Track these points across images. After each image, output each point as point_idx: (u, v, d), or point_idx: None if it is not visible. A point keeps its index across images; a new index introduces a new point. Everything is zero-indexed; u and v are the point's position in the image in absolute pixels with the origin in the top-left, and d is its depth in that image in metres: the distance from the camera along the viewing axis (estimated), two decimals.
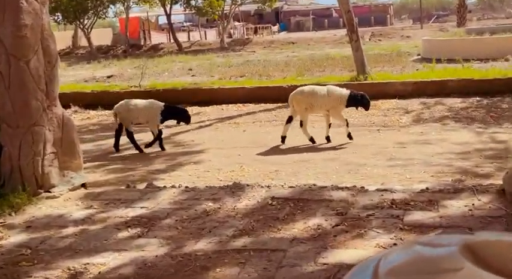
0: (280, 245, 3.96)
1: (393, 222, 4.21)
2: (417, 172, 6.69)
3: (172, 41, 38.81)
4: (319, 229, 4.21)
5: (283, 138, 8.89)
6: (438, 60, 16.62)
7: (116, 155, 8.75)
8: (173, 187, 5.70)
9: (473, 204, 4.44)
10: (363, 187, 5.22)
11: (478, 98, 11.53)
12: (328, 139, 8.78)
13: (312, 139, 8.74)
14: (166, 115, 8.81)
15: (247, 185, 5.53)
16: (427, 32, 36.50)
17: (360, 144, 8.53)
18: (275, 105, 12.35)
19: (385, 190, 5.04)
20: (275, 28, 56.06)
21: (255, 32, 49.23)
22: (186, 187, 5.68)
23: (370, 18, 59.29)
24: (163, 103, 8.90)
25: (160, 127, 8.86)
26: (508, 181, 4.57)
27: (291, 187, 5.38)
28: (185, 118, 9.09)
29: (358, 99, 8.74)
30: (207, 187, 5.68)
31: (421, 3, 52.70)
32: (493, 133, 8.46)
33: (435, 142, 8.34)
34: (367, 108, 8.99)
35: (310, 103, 8.68)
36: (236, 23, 50.05)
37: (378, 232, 4.04)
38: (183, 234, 4.33)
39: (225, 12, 39.32)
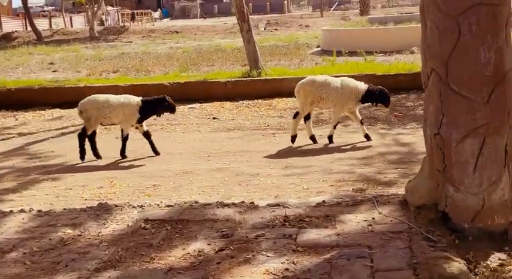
0: (153, 278, 3.84)
1: (285, 243, 4.24)
2: (315, 182, 6.85)
3: (29, 28, 37.13)
4: (200, 256, 4.14)
5: (294, 138, 8.82)
6: (339, 53, 17.26)
7: None
8: (22, 211, 5.37)
9: (373, 218, 4.58)
10: (252, 203, 5.22)
11: None
12: (330, 139, 8.81)
13: (293, 138, 8.77)
14: (144, 112, 8.52)
15: (116, 205, 5.34)
16: (328, 20, 37.89)
17: (252, 151, 8.59)
18: None
19: (278, 205, 5.07)
20: (156, 14, 55.53)
21: (133, 18, 48.42)
22: (39, 210, 5.36)
23: (266, 5, 60.52)
24: (139, 98, 8.59)
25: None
26: (411, 190, 4.78)
27: (168, 205, 5.26)
28: (169, 107, 8.74)
29: (377, 95, 8.76)
30: (65, 209, 5.40)
31: None
32: (397, 135, 8.88)
33: (335, 146, 8.60)
34: (387, 104, 8.99)
35: (320, 96, 8.65)
36: (109, 8, 48.95)
37: (267, 256, 4.04)
38: (32, 270, 4.07)
39: None
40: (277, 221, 4.69)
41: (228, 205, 5.19)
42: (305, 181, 6.92)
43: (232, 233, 4.50)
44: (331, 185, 6.66)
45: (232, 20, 36.21)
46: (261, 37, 28.54)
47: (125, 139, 8.65)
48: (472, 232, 4.21)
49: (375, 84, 12.49)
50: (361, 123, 8.81)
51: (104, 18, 45.67)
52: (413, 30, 20.68)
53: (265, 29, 35.61)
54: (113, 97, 8.60)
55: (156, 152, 8.67)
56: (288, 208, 4.99)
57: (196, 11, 59.54)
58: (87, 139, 8.54)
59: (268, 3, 61.49)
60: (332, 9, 59.64)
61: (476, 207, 4.20)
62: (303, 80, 8.99)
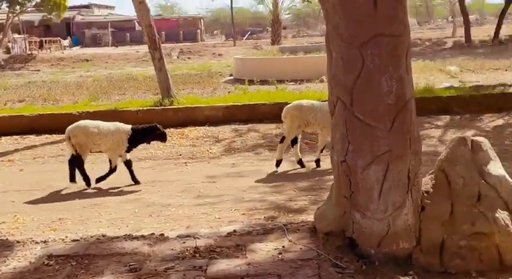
0: None
1: (195, 275, 4.16)
2: (227, 211, 6.81)
3: None
4: None
5: (278, 162, 8.77)
6: (251, 81, 17.45)
7: None
8: None
9: (283, 246, 4.59)
10: (162, 234, 5.11)
11: None
12: (317, 163, 8.79)
13: (278, 163, 8.73)
14: (134, 140, 8.29)
15: (17, 241, 5.08)
16: (241, 49, 38.36)
17: (164, 180, 8.47)
18: (63, 136, 11.79)
19: (188, 236, 4.99)
20: (66, 42, 54.37)
21: (41, 46, 47.12)
22: None
23: (179, 34, 60.61)
24: (130, 126, 8.34)
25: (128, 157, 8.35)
26: (319, 217, 4.83)
27: (74, 240, 5.06)
28: (160, 136, 8.52)
29: None
30: None
31: (234, 18, 55.37)
32: (307, 162, 8.99)
33: (248, 174, 8.62)
34: None
35: (307, 120, 8.65)
36: (16, 36, 47.43)
37: None
38: None
39: (0, 21, 37.04)
40: (187, 253, 4.60)
41: (136, 238, 5.05)
42: (217, 210, 6.87)
43: (141, 267, 4.38)
44: (243, 214, 6.64)
45: (144, 48, 35.87)
46: (174, 65, 28.49)
47: (113, 170, 8.35)
48: (378, 257, 4.30)
49: None
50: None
51: (10, 46, 44.18)
52: (323, 59, 21.12)
53: (178, 58, 35.60)
54: (102, 124, 8.35)
55: (136, 182, 8.35)
56: (199, 238, 4.92)
57: (107, 39, 58.79)
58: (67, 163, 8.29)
59: (181, 32, 61.61)
60: (244, 38, 60.58)
61: (382, 232, 4.29)
62: (290, 105, 9.06)
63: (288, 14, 78.34)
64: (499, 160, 4.63)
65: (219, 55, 36.68)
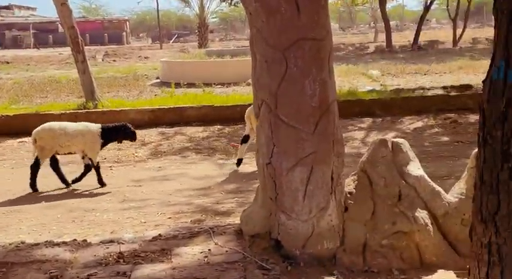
0: None
1: None
2: (153, 215, 6.71)
3: None
4: None
5: (240, 161, 8.83)
6: (178, 84, 17.31)
7: None
8: None
9: (209, 249, 4.56)
10: (85, 240, 4.98)
11: (219, 126, 12.27)
12: None
13: (239, 162, 8.81)
14: (105, 139, 8.18)
15: None
16: (167, 52, 38.04)
17: (88, 185, 8.25)
18: None
19: (112, 241, 4.88)
20: None
21: None
22: None
23: (104, 36, 59.52)
24: (99, 125, 8.26)
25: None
26: (245, 220, 4.82)
27: None
28: (130, 134, 8.43)
29: None
30: None
31: (160, 20, 54.87)
32: (234, 165, 8.99)
33: (174, 178, 8.53)
34: None
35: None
36: None
37: None
38: None
39: None
40: (110, 259, 4.49)
41: (58, 244, 4.89)
42: (142, 214, 6.76)
43: (62, 274, 4.24)
44: (169, 218, 6.56)
45: (68, 51, 34.96)
46: (99, 68, 27.90)
47: (97, 168, 8.20)
48: (303, 258, 4.33)
49: (213, 116, 12.82)
50: None
51: None
52: (249, 63, 21.29)
53: (103, 60, 34.90)
54: (70, 125, 8.19)
55: (102, 184, 8.19)
56: (123, 243, 4.82)
57: (29, 40, 56.94)
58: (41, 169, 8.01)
59: (106, 34, 60.48)
60: (171, 41, 60.13)
61: (307, 233, 4.34)
62: (251, 106, 8.99)
63: (215, 17, 78.33)
64: (418, 160, 4.77)
65: (145, 58, 36.20)
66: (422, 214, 4.42)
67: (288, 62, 4.33)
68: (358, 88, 15.73)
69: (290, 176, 4.35)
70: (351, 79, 19.42)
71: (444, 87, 15.23)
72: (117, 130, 8.37)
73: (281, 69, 4.36)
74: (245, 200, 7.03)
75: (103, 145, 8.31)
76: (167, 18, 79.91)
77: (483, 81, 3.91)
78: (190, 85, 17.67)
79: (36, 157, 8.04)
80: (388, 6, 52.34)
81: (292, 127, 4.34)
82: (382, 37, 42.93)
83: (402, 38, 45.93)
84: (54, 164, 8.17)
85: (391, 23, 43.62)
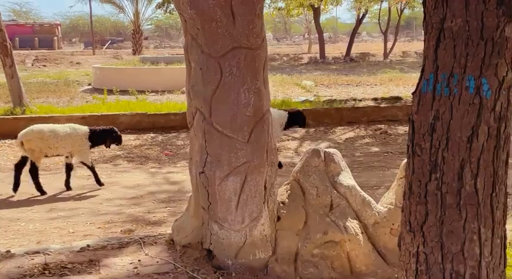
0: None
1: None
2: (82, 224, 6.53)
3: None
4: None
5: None
6: (110, 91, 16.99)
7: None
8: None
9: (139, 260, 4.46)
10: (8, 251, 4.77)
11: (152, 134, 12.11)
12: None
13: None
14: (92, 142, 8.22)
15: None
16: (100, 58, 37.37)
17: (22, 192, 7.96)
18: None
19: (37, 252, 4.69)
20: None
21: None
22: None
23: (34, 40, 57.84)
24: (86, 127, 8.31)
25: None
26: (177, 229, 4.75)
27: None
28: (117, 138, 8.59)
29: None
30: None
31: (93, 26, 53.88)
32: (167, 173, 8.89)
33: (105, 187, 8.32)
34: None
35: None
36: None
37: None
38: None
39: None
40: (35, 270, 4.32)
41: None
42: (71, 224, 6.56)
43: None
44: (99, 228, 6.39)
45: None
46: (28, 73, 27.09)
47: (92, 169, 8.30)
48: (235, 268, 4.30)
49: (146, 123, 12.64)
50: None
51: None
52: (184, 71, 21.17)
53: (32, 65, 33.89)
54: (58, 127, 8.16)
55: (100, 184, 8.30)
56: (49, 254, 4.65)
57: None
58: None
59: (36, 38, 58.81)
60: (105, 47, 59.03)
61: (239, 243, 4.31)
62: None
63: (150, 24, 77.57)
64: (349, 170, 4.83)
65: (77, 63, 35.39)
66: (353, 224, 4.47)
67: (223, 70, 4.30)
68: (292, 99, 15.88)
69: (223, 186, 4.31)
70: (285, 89, 19.60)
71: (375, 99, 15.59)
72: (105, 133, 8.45)
73: (216, 77, 4.32)
74: (177, 209, 6.94)
75: (90, 147, 8.32)
76: (101, 24, 78.51)
77: (413, 93, 4.00)
78: (124, 92, 17.37)
79: (21, 157, 8.01)
80: (322, 18, 53.34)
81: (226, 135, 4.30)
82: (316, 48, 43.62)
83: (335, 49, 46.82)
84: (35, 170, 8.01)
85: (324, 34, 44.45)
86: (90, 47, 50.06)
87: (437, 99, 3.78)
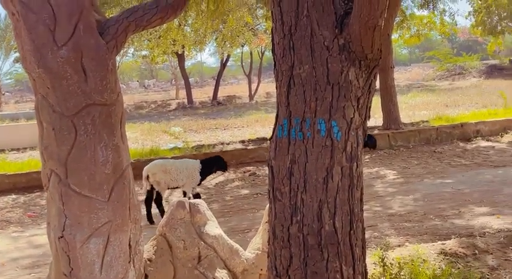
0: None
1: None
2: None
3: None
4: None
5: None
6: None
7: None
8: None
9: None
10: None
11: (14, 196, 11.44)
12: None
13: None
14: (204, 173, 8.96)
15: None
16: None
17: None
18: None
19: None
20: None
21: None
22: None
23: None
24: (197, 160, 9.09)
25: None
26: None
27: None
28: (223, 166, 9.36)
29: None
30: None
31: None
32: (31, 237, 8.41)
33: None
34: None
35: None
36: None
37: None
38: None
39: None
40: None
41: None
42: None
43: None
44: None
45: None
46: None
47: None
48: None
49: (6, 185, 11.94)
50: None
51: None
52: None
53: None
54: (176, 161, 9.13)
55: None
56: None
57: None
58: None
59: None
60: None
61: None
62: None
63: (10, 79, 74.23)
64: (215, 219, 4.82)
65: None
66: (221, 274, 4.44)
67: (78, 129, 4.15)
68: (161, 146, 15.76)
69: (85, 249, 4.11)
70: (153, 138, 19.43)
71: (242, 141, 15.86)
72: (213, 163, 9.27)
73: (70, 136, 4.16)
74: (42, 275, 6.57)
75: (203, 179, 9.11)
76: None
77: (269, 139, 4.11)
78: None
79: (148, 191, 8.67)
80: (188, 63, 53.88)
81: (85, 196, 4.13)
82: (183, 93, 43.88)
83: (203, 93, 47.35)
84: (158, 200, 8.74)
85: (191, 79, 44.87)
86: None
87: (293, 143, 3.90)
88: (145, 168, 8.73)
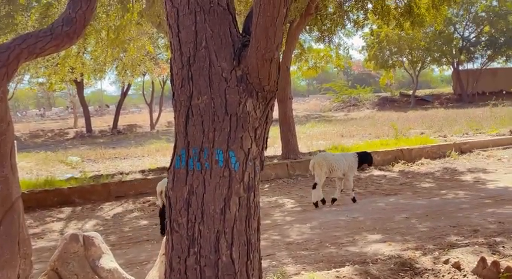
0: None
1: None
2: None
3: None
4: None
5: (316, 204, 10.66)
6: None
7: None
8: None
9: None
10: None
11: None
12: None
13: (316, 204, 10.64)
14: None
15: None
16: None
17: None
18: None
19: None
20: None
21: None
22: None
23: None
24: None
25: None
26: None
27: None
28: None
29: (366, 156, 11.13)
30: None
31: None
32: None
33: None
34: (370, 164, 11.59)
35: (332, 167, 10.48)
36: None
37: None
38: None
39: None
40: None
41: None
42: None
43: None
44: None
45: None
46: None
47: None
48: None
49: None
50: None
51: None
52: None
53: None
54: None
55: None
56: None
57: None
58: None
59: None
60: None
61: None
62: (316, 156, 11.27)
63: None
64: (111, 252, 4.68)
65: None
66: None
67: None
68: (57, 177, 15.18)
69: None
70: (49, 168, 18.70)
71: (142, 171, 15.59)
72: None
73: None
74: None
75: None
76: None
77: (168, 170, 4.05)
78: None
79: (163, 206, 8.68)
80: (87, 91, 52.70)
81: None
82: (82, 122, 42.73)
83: (103, 122, 46.34)
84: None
85: (91, 107, 43.85)
86: None
87: (191, 174, 3.87)
88: (158, 184, 9.17)
